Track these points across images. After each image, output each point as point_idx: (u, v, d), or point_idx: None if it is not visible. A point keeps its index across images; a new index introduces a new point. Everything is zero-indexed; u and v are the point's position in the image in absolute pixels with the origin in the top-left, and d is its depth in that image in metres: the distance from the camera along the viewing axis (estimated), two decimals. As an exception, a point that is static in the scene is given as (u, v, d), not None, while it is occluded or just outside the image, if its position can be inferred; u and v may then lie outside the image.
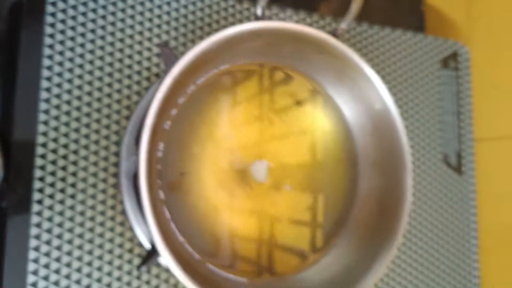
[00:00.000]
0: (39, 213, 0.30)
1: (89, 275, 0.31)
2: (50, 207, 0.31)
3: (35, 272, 0.30)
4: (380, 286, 0.40)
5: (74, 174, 0.32)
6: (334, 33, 0.30)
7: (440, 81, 0.46)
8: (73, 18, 0.33)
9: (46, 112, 0.31)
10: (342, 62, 0.31)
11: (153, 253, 0.29)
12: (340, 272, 0.30)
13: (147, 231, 0.32)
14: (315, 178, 0.33)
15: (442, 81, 0.46)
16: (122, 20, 0.34)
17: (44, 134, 0.31)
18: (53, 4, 0.32)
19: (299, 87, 0.33)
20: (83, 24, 0.33)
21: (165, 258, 0.24)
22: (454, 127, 0.46)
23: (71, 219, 0.31)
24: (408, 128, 0.44)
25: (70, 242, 0.31)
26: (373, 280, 0.28)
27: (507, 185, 0.46)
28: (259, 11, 0.27)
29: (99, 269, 0.32)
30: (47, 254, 0.30)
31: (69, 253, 0.31)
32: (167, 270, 0.34)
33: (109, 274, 0.32)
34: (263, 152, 0.32)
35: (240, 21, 0.38)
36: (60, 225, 0.31)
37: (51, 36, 0.32)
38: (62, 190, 0.31)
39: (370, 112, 0.32)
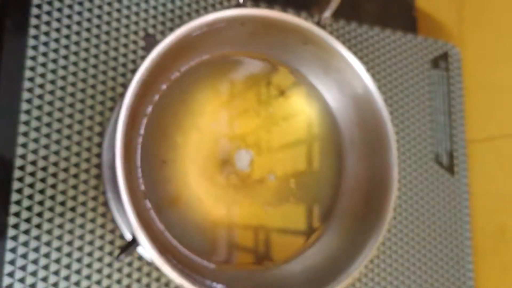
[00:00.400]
0: (17, 203, 0.30)
1: (68, 266, 0.31)
2: (30, 197, 0.30)
3: (11, 262, 0.29)
4: (371, 286, 0.39)
5: (55, 164, 0.31)
6: (318, 23, 0.30)
7: (430, 81, 0.46)
8: (59, 10, 0.33)
9: (28, 101, 0.31)
10: (326, 52, 0.31)
11: (133, 243, 0.28)
12: (326, 262, 0.29)
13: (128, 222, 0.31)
14: (301, 170, 0.32)
15: (433, 81, 0.46)
16: (109, 13, 0.35)
17: (26, 123, 0.31)
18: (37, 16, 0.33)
19: (284, 77, 0.33)
20: (68, 17, 0.33)
21: (142, 244, 0.23)
22: (445, 127, 0.46)
23: (51, 209, 0.31)
24: (399, 127, 0.44)
25: (49, 232, 0.31)
26: (358, 270, 0.27)
27: (500, 185, 0.45)
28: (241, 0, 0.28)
29: (79, 260, 0.31)
30: (25, 244, 0.30)
31: (48, 244, 0.30)
32: (148, 264, 0.33)
33: (89, 265, 0.31)
34: (247, 142, 0.31)
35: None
36: (39, 215, 0.31)
37: (36, 27, 0.32)
38: (43, 180, 0.31)
39: (356, 102, 0.32)
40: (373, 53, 0.44)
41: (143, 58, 0.35)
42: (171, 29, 0.37)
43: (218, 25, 0.28)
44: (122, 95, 0.34)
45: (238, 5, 0.28)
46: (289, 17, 0.28)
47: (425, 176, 0.44)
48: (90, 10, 0.34)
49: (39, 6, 0.33)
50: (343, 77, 0.31)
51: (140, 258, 0.33)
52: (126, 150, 0.25)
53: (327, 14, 0.30)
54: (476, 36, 0.50)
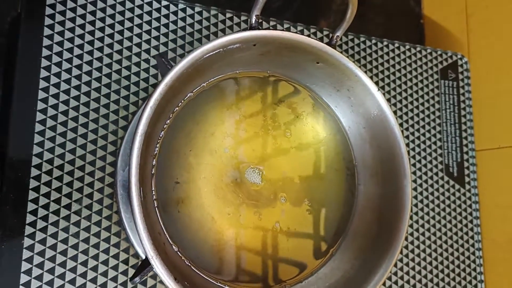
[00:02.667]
0: (32, 224, 0.30)
1: (82, 287, 0.31)
2: (44, 218, 0.31)
3: (27, 284, 0.29)
4: (382, 301, 0.39)
5: (69, 184, 0.32)
6: (329, 42, 0.30)
7: (439, 92, 0.46)
8: (71, 30, 0.33)
9: (42, 122, 0.32)
10: (338, 71, 0.31)
11: (147, 263, 0.28)
12: (338, 283, 0.29)
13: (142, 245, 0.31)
14: (314, 188, 0.32)
15: (442, 92, 0.46)
16: (120, 32, 0.35)
17: (40, 144, 0.31)
18: (51, 16, 0.33)
19: (297, 97, 0.33)
20: (80, 36, 0.34)
21: (155, 266, 0.23)
22: (455, 137, 0.46)
23: (65, 230, 0.31)
24: (409, 139, 0.43)
25: (63, 253, 0.31)
26: (372, 291, 0.27)
27: (510, 195, 0.45)
28: (253, 20, 0.28)
29: (93, 280, 0.31)
30: (39, 266, 0.30)
31: (62, 265, 0.31)
32: (162, 282, 0.33)
33: (104, 285, 0.31)
34: (259, 162, 0.31)
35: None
36: (54, 236, 0.31)
37: (49, 47, 0.32)
38: (57, 201, 0.31)
39: (368, 120, 0.32)
40: (382, 65, 0.44)
41: (154, 76, 0.35)
42: (182, 46, 0.37)
43: (231, 47, 0.28)
44: (134, 114, 0.34)
45: (250, 27, 0.28)
46: (301, 38, 0.28)
47: (436, 187, 0.43)
48: (102, 28, 0.34)
49: (51, 27, 0.33)
50: (355, 96, 0.31)
51: (153, 277, 0.33)
52: (140, 172, 0.25)
53: (339, 33, 0.30)
54: (484, 45, 0.50)
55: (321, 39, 0.42)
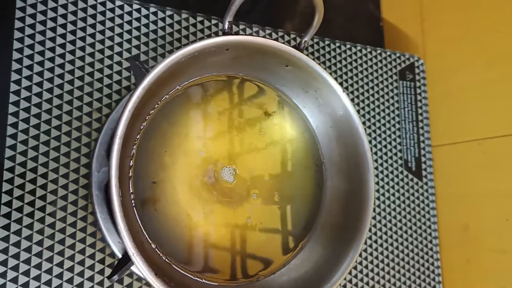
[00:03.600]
0: (5, 227, 0.30)
1: (59, 288, 0.31)
2: (18, 221, 0.31)
3: (2, 287, 0.29)
4: (345, 284, 0.41)
5: (43, 186, 0.32)
6: (298, 47, 0.32)
7: (398, 92, 0.49)
8: (42, 32, 0.33)
9: (14, 125, 0.31)
10: (306, 74, 0.33)
11: (124, 262, 0.29)
12: (309, 273, 0.31)
13: (118, 241, 0.32)
14: (283, 185, 0.34)
15: (401, 92, 0.49)
16: (92, 35, 0.35)
17: (12, 147, 0.31)
18: (21, 19, 0.33)
19: (267, 98, 0.35)
20: (52, 39, 0.34)
21: (137, 263, 0.24)
22: (413, 134, 0.49)
23: (40, 232, 0.31)
24: (371, 136, 0.46)
25: (39, 255, 0.31)
26: (341, 278, 0.29)
27: (463, 187, 0.49)
28: (226, 26, 0.29)
29: (70, 281, 0.31)
30: (14, 269, 0.30)
31: (37, 267, 0.31)
32: (139, 280, 0.34)
33: (80, 286, 0.32)
34: (232, 160, 0.33)
35: (209, 36, 0.40)
36: (28, 238, 0.31)
37: (19, 50, 0.32)
38: (31, 204, 0.31)
39: (334, 120, 0.34)
40: (346, 67, 0.46)
41: (127, 78, 0.36)
42: (154, 49, 0.37)
43: (205, 51, 0.29)
44: (107, 116, 0.34)
45: (223, 33, 0.29)
46: (272, 43, 0.30)
47: (396, 181, 0.46)
48: (73, 31, 0.34)
49: (21, 29, 0.33)
50: (322, 97, 0.33)
51: (130, 275, 0.34)
52: (119, 173, 0.26)
53: (306, 38, 0.32)
54: (437, 47, 0.53)
55: (288, 42, 0.44)
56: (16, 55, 0.32)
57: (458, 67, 0.51)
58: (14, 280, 0.30)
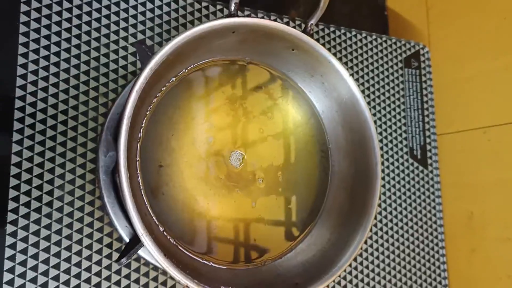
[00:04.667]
0: (14, 211, 0.30)
1: (67, 271, 0.31)
2: (26, 204, 0.31)
3: (11, 270, 0.30)
4: (351, 271, 0.42)
5: (51, 171, 0.32)
6: (304, 30, 0.32)
7: (404, 79, 0.49)
8: (48, 16, 0.33)
9: (21, 109, 0.31)
10: (312, 58, 0.32)
11: (132, 245, 0.29)
12: (315, 256, 0.31)
13: (126, 225, 0.32)
14: (289, 170, 0.34)
15: (406, 79, 0.49)
16: (98, 20, 0.35)
17: (19, 131, 0.31)
18: (27, 3, 0.33)
19: (273, 83, 0.34)
20: (58, 23, 0.34)
21: (146, 243, 0.24)
22: (418, 122, 0.49)
23: (48, 215, 0.31)
24: (376, 124, 0.46)
25: (47, 239, 0.31)
26: (347, 262, 0.30)
27: (467, 176, 0.49)
28: (232, 8, 0.29)
29: (78, 265, 0.32)
30: (23, 252, 0.30)
31: (46, 250, 0.31)
32: (146, 264, 0.34)
33: (88, 269, 0.32)
34: (238, 144, 0.33)
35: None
36: (36, 222, 0.31)
37: (25, 34, 0.32)
38: (39, 188, 0.31)
39: (340, 105, 0.34)
40: (351, 54, 0.46)
41: (132, 63, 0.36)
42: (159, 34, 0.37)
43: (211, 33, 0.29)
44: (114, 101, 0.34)
45: (229, 15, 0.29)
46: (279, 25, 0.30)
47: (401, 169, 0.46)
48: (79, 16, 0.34)
49: (27, 13, 0.33)
50: (328, 81, 0.33)
51: (137, 259, 0.34)
52: (128, 158, 0.26)
53: (313, 21, 0.31)
54: (443, 36, 0.53)
55: (293, 28, 0.44)
56: (22, 39, 0.32)
57: (463, 55, 0.51)
58: (23, 263, 0.30)
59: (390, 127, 0.47)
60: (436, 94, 0.51)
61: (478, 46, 0.49)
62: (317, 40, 0.45)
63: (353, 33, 0.47)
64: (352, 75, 0.46)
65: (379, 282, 0.42)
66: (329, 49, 0.45)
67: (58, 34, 0.33)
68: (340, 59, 0.45)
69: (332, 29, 0.46)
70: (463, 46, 0.51)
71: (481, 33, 0.49)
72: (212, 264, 0.30)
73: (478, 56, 0.49)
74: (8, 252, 0.30)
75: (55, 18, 0.33)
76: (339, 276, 0.40)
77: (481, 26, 0.49)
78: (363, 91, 0.46)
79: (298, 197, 0.34)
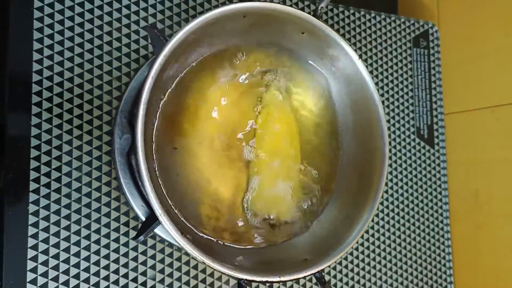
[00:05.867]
0: (36, 191, 0.32)
1: (87, 248, 0.33)
2: (47, 185, 0.32)
3: (34, 247, 0.31)
4: (357, 247, 0.43)
5: (68, 153, 0.33)
6: (314, 13, 0.32)
7: (412, 59, 0.49)
8: (61, 1, 0.34)
9: (38, 93, 0.32)
10: (322, 41, 0.33)
11: (149, 224, 0.31)
12: (324, 235, 0.33)
13: (142, 204, 0.34)
14: (303, 151, 0.35)
15: (414, 59, 0.49)
16: (109, 4, 0.35)
17: (38, 115, 0.32)
18: (40, -13, 0.33)
19: (284, 65, 0.35)
20: (71, 8, 0.34)
21: (164, 222, 0.26)
22: (426, 102, 0.49)
23: (67, 196, 0.33)
24: (384, 104, 0.47)
25: (67, 217, 0.32)
26: (355, 239, 0.31)
27: (474, 154, 0.49)
28: (243, -8, 0.29)
29: (97, 242, 0.33)
30: (45, 230, 0.32)
31: (67, 228, 0.32)
32: (161, 241, 0.35)
33: (107, 246, 0.33)
34: (253, 128, 0.34)
35: (223, 4, 0.40)
36: (57, 202, 0.32)
37: (40, 19, 0.33)
38: (58, 169, 0.33)
39: (349, 87, 0.35)
40: (360, 34, 0.46)
41: (144, 47, 0.36)
42: (170, 17, 0.38)
43: (223, 18, 0.29)
44: (127, 84, 0.35)
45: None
46: (290, 9, 0.30)
47: (408, 149, 0.47)
48: (94, 5, 0.35)
49: (40, -2, 0.33)
50: (337, 64, 0.34)
51: (153, 237, 0.35)
52: (144, 139, 0.27)
53: (323, 4, 0.32)
54: (453, 14, 0.53)
55: (302, 9, 0.44)
56: (36, 24, 0.33)
57: (472, 34, 0.50)
58: (45, 240, 0.32)
59: (397, 107, 0.47)
60: (444, 73, 0.51)
61: (489, 23, 0.49)
62: (326, 20, 0.45)
63: (362, 13, 0.46)
64: (360, 55, 0.46)
65: (384, 258, 0.44)
66: (337, 30, 0.45)
67: (71, 19, 0.34)
68: (348, 39, 0.45)
69: (341, 9, 0.45)
70: (474, 23, 0.50)
71: (491, 11, 0.48)
72: (226, 244, 0.32)
73: (488, 34, 0.49)
74: (31, 230, 0.31)
75: (68, 3, 0.34)
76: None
77: (491, 3, 0.48)
78: (371, 72, 0.46)
79: (311, 178, 0.35)
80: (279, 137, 0.35)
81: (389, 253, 0.44)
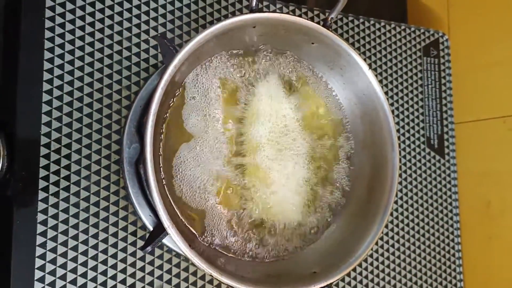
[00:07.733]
0: (44, 200, 0.32)
1: (94, 258, 0.33)
2: (55, 194, 0.32)
3: (42, 256, 0.31)
4: (366, 259, 0.42)
5: (77, 162, 0.33)
6: (324, 24, 0.32)
7: (422, 68, 0.48)
8: (72, 11, 0.34)
9: (48, 103, 0.33)
10: (332, 51, 0.33)
11: (156, 234, 0.30)
12: (333, 247, 0.32)
13: (149, 214, 0.33)
14: (311, 160, 0.34)
15: (424, 68, 0.49)
16: (120, 13, 0.35)
17: (47, 124, 0.32)
18: (52, -3, 0.33)
19: (293, 74, 0.35)
20: (81, 18, 0.34)
21: (172, 234, 0.26)
22: (436, 111, 0.49)
23: (76, 205, 0.33)
24: (394, 113, 0.46)
25: (75, 227, 0.32)
26: (366, 252, 0.30)
27: (485, 164, 0.48)
28: (253, 4, 0.29)
29: (104, 251, 0.33)
30: (53, 239, 0.32)
31: (74, 237, 0.32)
32: (169, 251, 0.35)
33: (114, 256, 0.33)
34: (260, 136, 0.33)
35: (233, 13, 0.40)
36: (65, 211, 0.32)
37: (51, 29, 0.33)
38: (67, 178, 0.33)
39: (359, 97, 0.34)
40: (369, 44, 0.46)
41: (154, 56, 0.36)
42: (180, 27, 0.38)
43: (232, 29, 0.29)
44: (136, 94, 0.35)
45: (251, 10, 0.29)
46: (300, 20, 0.30)
47: (418, 159, 0.47)
48: (101, 10, 0.35)
49: (52, 8, 0.33)
50: (347, 74, 0.33)
51: (160, 246, 0.35)
52: (153, 149, 0.27)
53: (333, 15, 0.31)
54: (463, 23, 0.52)
55: (312, 19, 0.44)
56: (48, 34, 0.33)
57: (483, 42, 0.50)
58: (53, 250, 0.32)
59: (407, 116, 0.47)
60: (455, 82, 0.51)
61: (500, 31, 0.48)
62: (336, 30, 0.44)
63: (372, 22, 0.46)
64: (370, 65, 0.46)
65: (394, 270, 0.43)
66: (347, 39, 0.45)
67: (82, 28, 0.34)
68: (358, 48, 0.45)
69: (350, 18, 0.45)
70: (484, 31, 0.50)
71: (503, 18, 0.48)
72: (231, 255, 0.31)
73: (500, 42, 0.48)
74: (39, 240, 0.31)
75: (79, 12, 0.34)
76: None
77: (502, 12, 0.48)
78: (381, 81, 0.46)
79: (320, 188, 0.35)
80: (286, 145, 0.34)
81: (399, 265, 0.44)
